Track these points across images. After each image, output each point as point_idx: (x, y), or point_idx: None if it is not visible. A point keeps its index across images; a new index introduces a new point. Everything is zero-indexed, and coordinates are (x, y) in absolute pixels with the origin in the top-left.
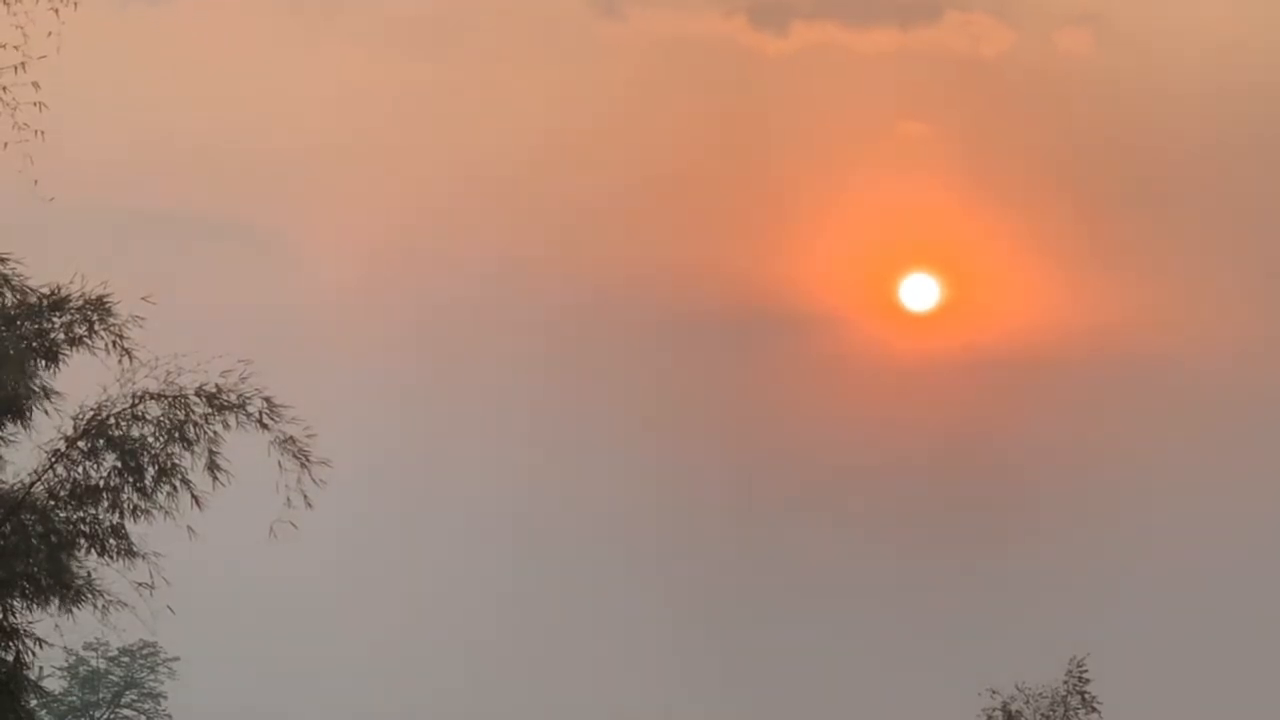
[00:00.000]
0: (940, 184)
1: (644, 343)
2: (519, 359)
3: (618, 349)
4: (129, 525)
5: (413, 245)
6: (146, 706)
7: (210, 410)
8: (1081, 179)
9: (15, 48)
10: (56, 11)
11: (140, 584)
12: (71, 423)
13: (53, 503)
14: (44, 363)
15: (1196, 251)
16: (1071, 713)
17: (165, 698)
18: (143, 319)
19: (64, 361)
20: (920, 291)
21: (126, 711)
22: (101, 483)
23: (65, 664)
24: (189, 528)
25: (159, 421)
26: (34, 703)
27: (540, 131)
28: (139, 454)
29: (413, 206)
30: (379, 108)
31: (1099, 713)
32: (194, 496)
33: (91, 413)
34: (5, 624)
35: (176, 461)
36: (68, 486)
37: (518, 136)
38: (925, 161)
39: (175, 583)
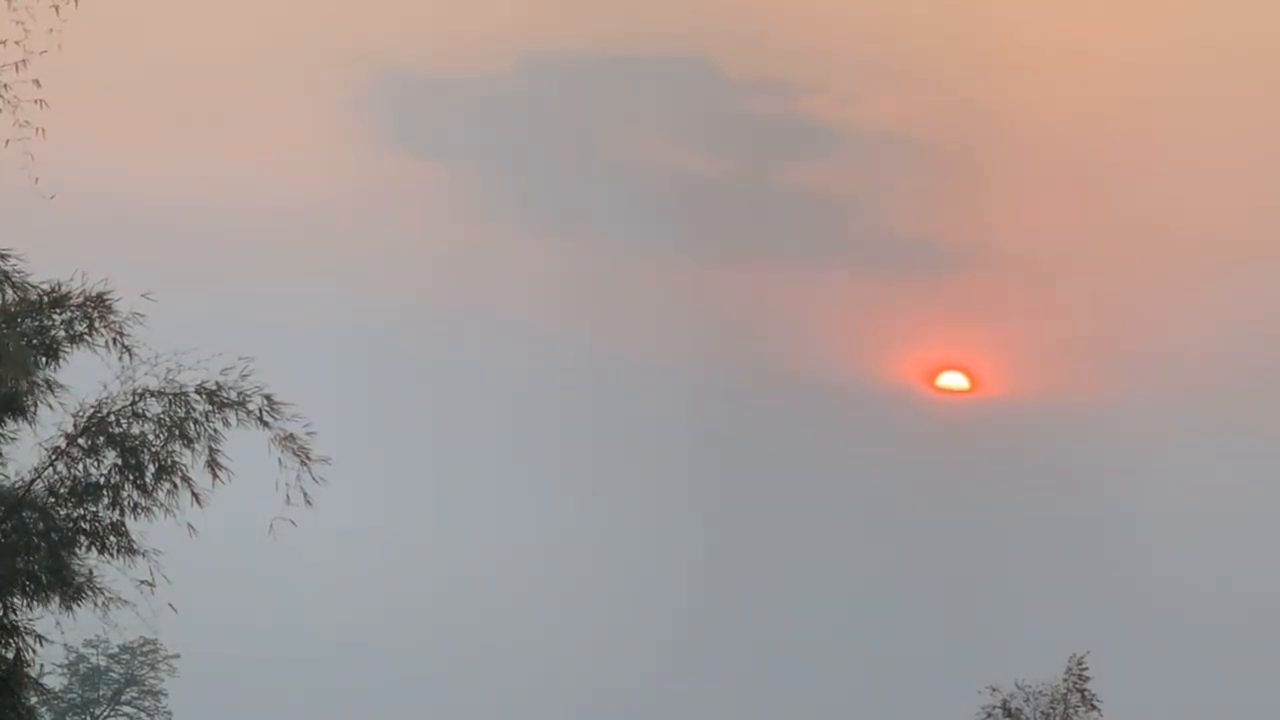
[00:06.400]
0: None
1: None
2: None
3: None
4: (129, 522)
5: None
6: (147, 704)
7: (210, 408)
8: None
9: (16, 44)
10: (56, 9)
11: (141, 581)
12: (72, 420)
13: (53, 500)
14: (44, 360)
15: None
16: (1072, 710)
17: (166, 695)
18: (143, 316)
19: (64, 359)
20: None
21: (127, 709)
22: (102, 480)
23: (66, 661)
24: (189, 525)
25: (159, 419)
26: (34, 700)
27: None
28: (139, 451)
29: None
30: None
31: (1099, 710)
32: (194, 494)
33: (92, 410)
34: (6, 621)
35: (177, 459)
36: (68, 484)
37: None
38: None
39: (176, 581)
